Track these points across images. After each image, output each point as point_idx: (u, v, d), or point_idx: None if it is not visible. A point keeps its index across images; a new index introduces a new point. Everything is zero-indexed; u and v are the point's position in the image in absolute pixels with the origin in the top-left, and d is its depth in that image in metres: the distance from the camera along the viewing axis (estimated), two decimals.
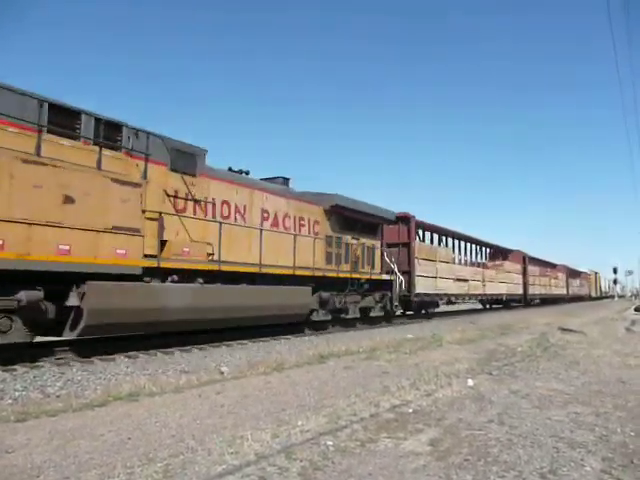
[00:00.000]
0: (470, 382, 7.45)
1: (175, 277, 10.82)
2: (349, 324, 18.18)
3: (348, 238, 17.59)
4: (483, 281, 30.04)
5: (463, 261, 30.70)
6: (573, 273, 58.30)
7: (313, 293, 15.21)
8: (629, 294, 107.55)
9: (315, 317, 15.89)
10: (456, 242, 30.39)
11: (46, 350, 9.53)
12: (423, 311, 24.15)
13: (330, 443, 4.59)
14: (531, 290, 40.24)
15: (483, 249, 35.26)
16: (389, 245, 21.06)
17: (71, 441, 4.70)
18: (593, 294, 72.69)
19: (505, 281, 33.66)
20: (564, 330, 16.72)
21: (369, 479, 3.81)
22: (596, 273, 76.98)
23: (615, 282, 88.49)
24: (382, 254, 19.92)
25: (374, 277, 18.70)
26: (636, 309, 37.30)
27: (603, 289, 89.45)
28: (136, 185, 9.98)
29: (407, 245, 22.18)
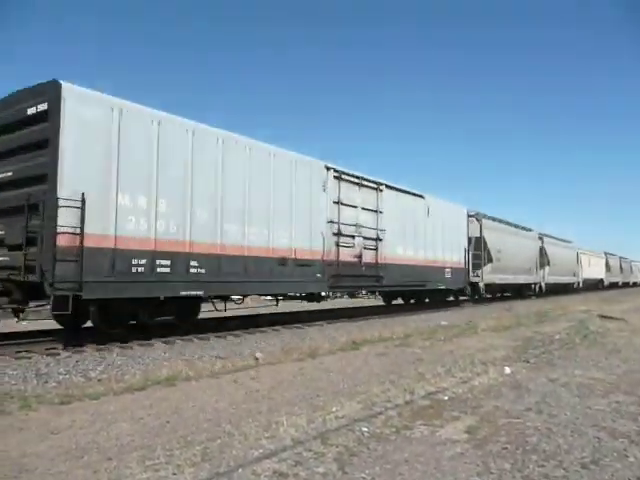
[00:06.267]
0: (507, 370, 7.34)
1: None
2: (383, 311, 18.15)
3: None
4: None
5: None
6: None
7: None
8: None
9: None
10: None
11: (87, 335, 9.82)
12: None
13: (365, 429, 4.59)
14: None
15: None
16: None
17: (113, 423, 4.83)
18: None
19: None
20: (604, 317, 16.31)
21: (405, 466, 3.80)
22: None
23: None
24: None
25: None
26: None
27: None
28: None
29: None
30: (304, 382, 6.71)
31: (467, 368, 7.49)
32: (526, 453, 4.06)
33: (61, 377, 7.06)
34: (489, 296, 27.35)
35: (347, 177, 15.12)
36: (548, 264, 35.36)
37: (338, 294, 21.84)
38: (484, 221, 25.49)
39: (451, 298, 24.34)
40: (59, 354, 8.45)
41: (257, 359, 8.47)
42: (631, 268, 71.93)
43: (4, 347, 8.69)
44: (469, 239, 23.27)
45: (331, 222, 14.15)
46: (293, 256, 12.73)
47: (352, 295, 26.71)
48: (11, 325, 10.80)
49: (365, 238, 15.52)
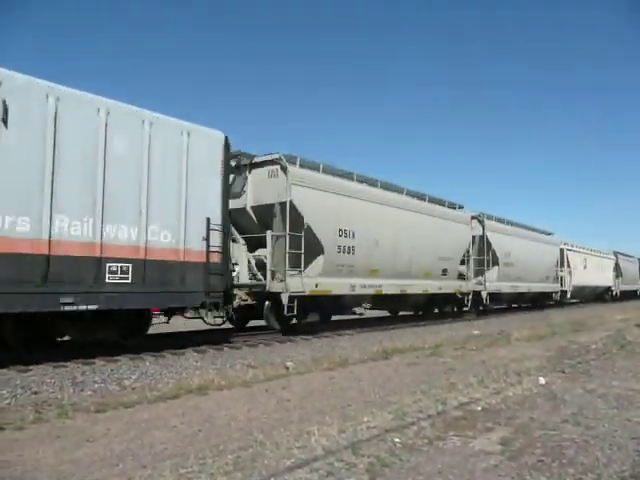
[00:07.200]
0: (542, 380, 7.19)
1: None
2: (411, 320, 17.98)
3: None
4: None
5: None
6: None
7: None
8: None
9: None
10: None
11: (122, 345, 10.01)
12: None
13: (397, 440, 4.55)
14: None
15: None
16: None
17: (147, 431, 4.91)
18: None
19: None
20: None
21: (438, 477, 3.75)
22: None
23: None
24: None
25: None
26: None
27: None
28: None
29: None
30: (335, 391, 6.69)
31: (500, 378, 7.36)
32: (563, 466, 3.96)
33: (96, 385, 7.20)
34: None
35: None
36: (497, 263, 22.57)
37: None
38: (294, 171, 12.68)
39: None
40: (94, 363, 8.62)
41: (288, 368, 8.50)
42: None
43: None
44: (253, 209, 13.15)
45: None
46: None
47: None
48: None
49: None
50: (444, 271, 18.80)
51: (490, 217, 23.10)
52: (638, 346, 11.23)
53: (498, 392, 6.53)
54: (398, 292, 16.30)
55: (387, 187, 16.72)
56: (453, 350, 10.51)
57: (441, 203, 19.55)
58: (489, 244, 22.09)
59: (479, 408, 5.74)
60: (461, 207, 20.84)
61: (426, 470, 3.88)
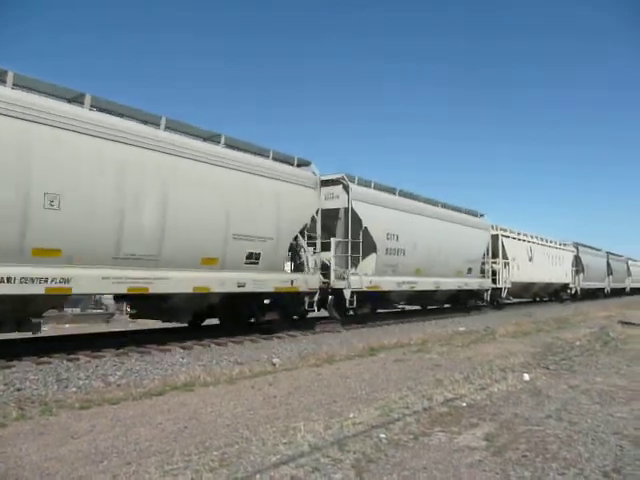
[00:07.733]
0: (526, 376, 7.26)
1: None
2: (402, 317, 18.02)
3: None
4: None
5: None
6: None
7: None
8: None
9: None
10: None
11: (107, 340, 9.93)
12: None
13: (383, 436, 4.57)
14: None
15: None
16: None
17: (132, 428, 4.87)
18: None
19: None
20: (625, 324, 16.05)
21: (423, 473, 3.77)
22: None
23: None
24: None
25: None
26: None
27: None
28: None
29: None
30: (321, 388, 6.70)
31: (485, 374, 7.42)
32: (546, 461, 4.00)
33: (81, 382, 7.13)
34: None
35: None
36: (374, 250, 15.22)
37: None
38: None
39: None
40: (79, 359, 8.54)
41: (274, 365, 8.49)
42: (628, 269, 51.22)
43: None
44: None
45: None
46: None
47: None
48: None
49: None
50: (251, 258, 11.39)
51: (368, 183, 15.83)
52: (621, 343, 11.38)
53: (483, 388, 6.58)
54: (125, 291, 9.06)
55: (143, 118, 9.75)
56: (439, 347, 10.57)
57: (260, 153, 12.21)
58: (359, 221, 14.73)
59: (464, 404, 5.78)
60: (306, 164, 13.60)
61: (411, 465, 3.90)
